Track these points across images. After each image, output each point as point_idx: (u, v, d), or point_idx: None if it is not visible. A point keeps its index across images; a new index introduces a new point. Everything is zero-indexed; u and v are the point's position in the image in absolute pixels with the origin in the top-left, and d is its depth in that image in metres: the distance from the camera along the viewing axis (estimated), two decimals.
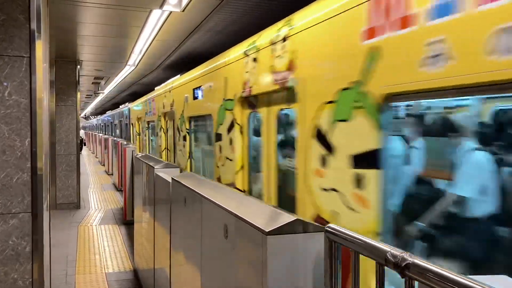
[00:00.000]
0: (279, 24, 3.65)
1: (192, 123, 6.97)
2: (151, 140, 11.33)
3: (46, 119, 3.86)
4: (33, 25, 3.18)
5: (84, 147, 33.22)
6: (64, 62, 10.05)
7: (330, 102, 2.74)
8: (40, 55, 3.24)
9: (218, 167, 5.19)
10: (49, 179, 5.25)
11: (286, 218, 1.82)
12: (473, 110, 2.71)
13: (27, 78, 3.19)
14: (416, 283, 1.21)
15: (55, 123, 9.73)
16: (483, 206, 2.52)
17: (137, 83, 15.03)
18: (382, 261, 1.31)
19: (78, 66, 10.30)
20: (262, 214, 2.05)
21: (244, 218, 1.97)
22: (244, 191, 4.52)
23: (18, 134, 3.19)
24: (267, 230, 1.72)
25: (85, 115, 46.14)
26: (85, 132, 37.12)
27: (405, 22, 2.14)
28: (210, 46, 7.86)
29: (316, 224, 1.78)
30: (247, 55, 4.24)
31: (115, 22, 6.50)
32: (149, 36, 7.34)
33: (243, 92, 4.37)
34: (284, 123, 3.93)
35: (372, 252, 1.38)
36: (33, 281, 3.26)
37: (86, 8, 5.85)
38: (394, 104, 2.39)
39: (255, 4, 5.42)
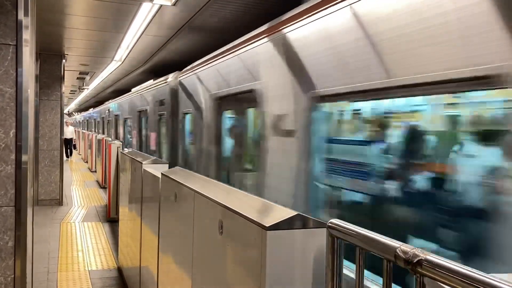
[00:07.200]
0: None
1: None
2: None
3: (32, 111, 3.74)
4: (21, 12, 3.07)
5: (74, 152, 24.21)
6: (49, 55, 9.82)
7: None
8: (28, 43, 3.12)
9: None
10: (33, 173, 5.11)
11: (285, 213, 1.76)
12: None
13: (13, 67, 3.08)
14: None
15: (39, 118, 9.52)
16: None
17: (115, 84, 14.87)
18: (392, 257, 1.26)
19: (64, 60, 10.09)
20: (258, 208, 1.99)
21: (242, 213, 1.90)
22: None
23: (2, 125, 3.07)
24: (267, 225, 1.66)
25: (68, 111, 45.26)
26: (75, 130, 25.61)
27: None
28: (199, 44, 7.77)
29: (317, 219, 1.72)
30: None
31: (104, 15, 6.37)
32: (137, 31, 7.22)
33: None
34: None
35: (380, 248, 1.32)
36: (15, 277, 3.14)
37: (74, 0, 5.72)
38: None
39: (248, 0, 5.36)
